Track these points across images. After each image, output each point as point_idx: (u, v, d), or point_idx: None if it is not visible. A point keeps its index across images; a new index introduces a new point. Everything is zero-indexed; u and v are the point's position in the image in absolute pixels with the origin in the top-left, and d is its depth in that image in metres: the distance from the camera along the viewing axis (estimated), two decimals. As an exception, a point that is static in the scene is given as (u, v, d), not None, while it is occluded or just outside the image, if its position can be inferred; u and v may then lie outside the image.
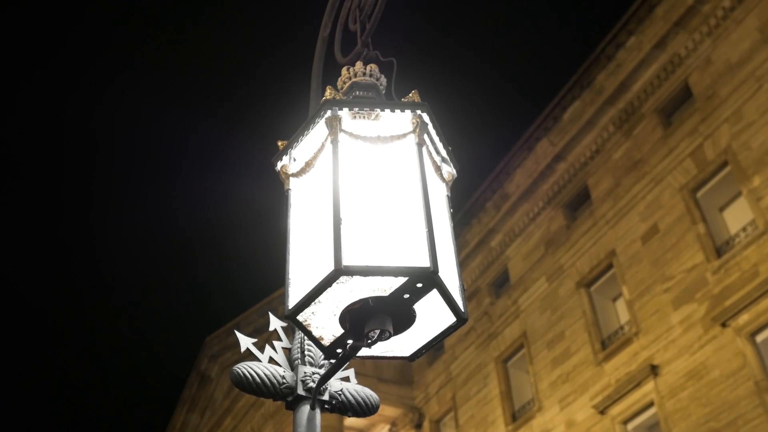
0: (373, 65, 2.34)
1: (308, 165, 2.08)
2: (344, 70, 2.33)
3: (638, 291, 19.37)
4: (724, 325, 16.74)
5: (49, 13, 62.11)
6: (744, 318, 16.41)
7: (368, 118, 2.05)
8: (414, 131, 2.03)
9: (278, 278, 2.04)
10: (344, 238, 1.80)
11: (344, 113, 2.04)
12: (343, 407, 2.34)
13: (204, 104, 65.68)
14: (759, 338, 16.25)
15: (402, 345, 2.00)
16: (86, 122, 66.35)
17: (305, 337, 2.32)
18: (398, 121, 2.05)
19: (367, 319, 1.84)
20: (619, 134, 21.47)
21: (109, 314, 73.24)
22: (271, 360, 2.35)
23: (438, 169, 2.12)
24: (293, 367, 2.33)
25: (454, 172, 2.19)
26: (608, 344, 19.91)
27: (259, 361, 2.33)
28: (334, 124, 2.02)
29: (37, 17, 61.46)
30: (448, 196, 2.14)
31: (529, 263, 23.46)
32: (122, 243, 73.31)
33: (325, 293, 1.82)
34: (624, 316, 20.26)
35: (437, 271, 1.78)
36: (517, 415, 22.41)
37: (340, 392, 2.34)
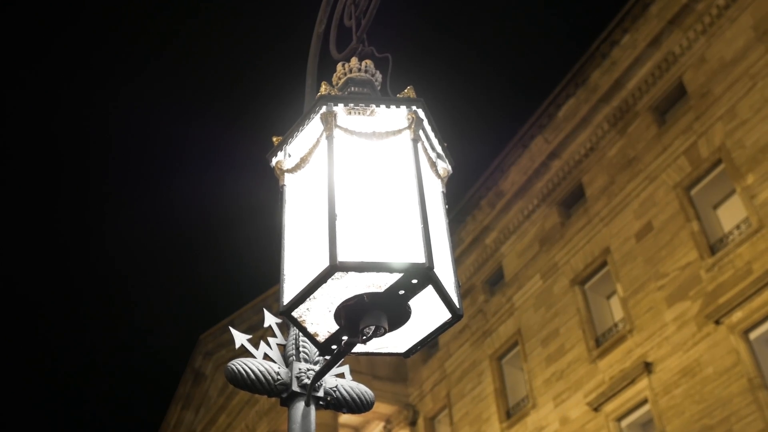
0: (368, 61, 2.33)
1: (303, 161, 2.07)
2: (339, 66, 2.33)
3: (632, 288, 19.41)
4: (717, 322, 16.78)
5: (44, 9, 61.92)
6: (737, 315, 16.46)
7: (363, 114, 2.05)
8: (409, 127, 2.03)
9: (273, 275, 2.04)
10: (339, 234, 1.80)
11: (339, 109, 2.04)
12: (338, 404, 2.33)
13: (199, 100, 65.56)
14: (752, 335, 16.30)
15: (397, 341, 2.00)
16: (82, 119, 66.19)
17: (300, 334, 2.31)
18: (393, 117, 2.05)
19: (362, 316, 1.84)
20: (613, 132, 21.50)
21: (103, 311, 73.16)
22: (266, 356, 2.34)
23: (433, 165, 2.12)
24: (288, 364, 2.33)
25: (450, 168, 2.18)
26: (602, 342, 19.96)
27: (254, 357, 2.33)
28: (329, 120, 2.01)
29: (32, 14, 61.26)
30: (443, 192, 2.14)
31: (524, 261, 23.49)
32: (117, 240, 73.19)
33: (320, 289, 1.81)
34: (618, 313, 20.30)
35: (432, 267, 1.78)
36: (511, 412, 22.44)
37: (335, 389, 2.33)
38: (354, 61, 2.32)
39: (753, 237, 16.76)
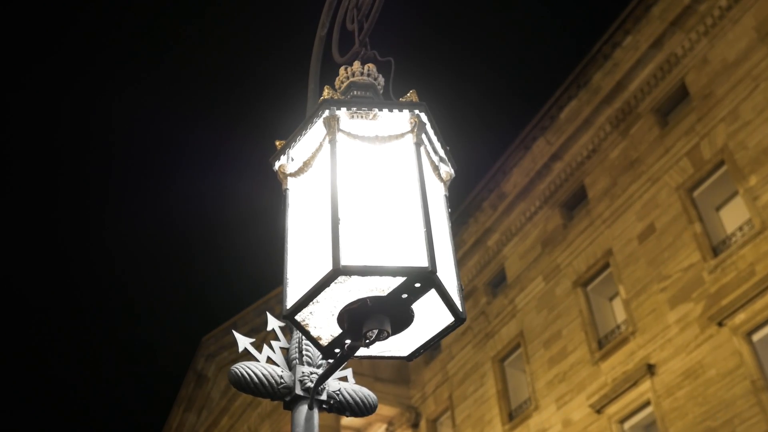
0: (370, 65, 2.33)
1: (306, 165, 2.08)
2: (342, 70, 2.33)
3: (635, 290, 19.39)
4: (720, 324, 16.76)
5: (46, 12, 62.01)
6: (740, 317, 16.44)
7: (366, 118, 2.05)
8: (412, 131, 2.03)
9: (275, 278, 2.05)
10: (342, 238, 1.80)
11: (342, 113, 2.04)
12: (341, 407, 2.33)
13: (201, 104, 65.64)
14: (755, 337, 16.27)
15: (400, 345, 2.00)
16: (83, 122, 66.26)
17: (303, 337, 2.31)
18: (396, 120, 2.05)
19: (365, 319, 1.84)
20: (615, 133, 21.49)
21: (105, 314, 73.20)
22: (269, 360, 2.34)
23: (436, 168, 2.12)
24: (291, 367, 2.33)
25: (452, 171, 2.18)
26: (605, 343, 19.93)
27: (257, 360, 2.33)
28: (331, 124, 2.01)
29: (34, 17, 61.35)
30: (446, 195, 2.14)
31: (526, 262, 23.47)
32: (119, 243, 73.24)
33: (323, 293, 1.82)
34: (620, 315, 20.27)
35: (435, 271, 1.78)
36: (513, 414, 22.42)
37: (338, 392, 2.33)
38: (356, 64, 2.32)
39: (756, 239, 16.73)
